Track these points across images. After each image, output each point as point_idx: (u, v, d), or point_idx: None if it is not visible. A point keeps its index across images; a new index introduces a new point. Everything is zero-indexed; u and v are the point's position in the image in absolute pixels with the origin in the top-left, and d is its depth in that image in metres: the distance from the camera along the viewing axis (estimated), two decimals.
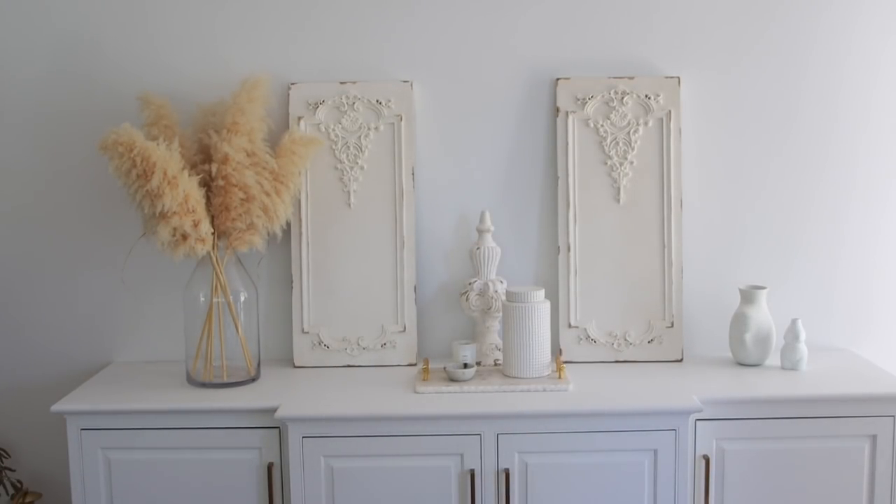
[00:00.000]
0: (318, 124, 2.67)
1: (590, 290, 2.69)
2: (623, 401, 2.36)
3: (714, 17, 2.67)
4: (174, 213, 2.35)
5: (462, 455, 2.29)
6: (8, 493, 2.70)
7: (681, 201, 2.67)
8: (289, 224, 2.61)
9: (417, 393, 2.41)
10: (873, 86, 2.70)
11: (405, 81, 2.67)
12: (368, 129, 2.67)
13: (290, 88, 2.67)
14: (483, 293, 2.63)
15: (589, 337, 2.69)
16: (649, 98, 2.66)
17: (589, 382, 2.48)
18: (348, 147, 2.67)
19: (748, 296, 2.62)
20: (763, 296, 2.61)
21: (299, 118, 2.66)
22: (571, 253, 2.68)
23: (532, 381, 2.44)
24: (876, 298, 2.77)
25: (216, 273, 2.49)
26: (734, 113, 2.71)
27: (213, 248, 2.47)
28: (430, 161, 2.71)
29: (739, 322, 2.61)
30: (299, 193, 2.63)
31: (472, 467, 2.29)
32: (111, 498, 2.36)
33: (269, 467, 2.34)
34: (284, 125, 2.66)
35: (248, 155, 2.45)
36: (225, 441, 2.35)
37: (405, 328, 2.69)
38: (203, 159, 2.48)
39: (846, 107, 2.71)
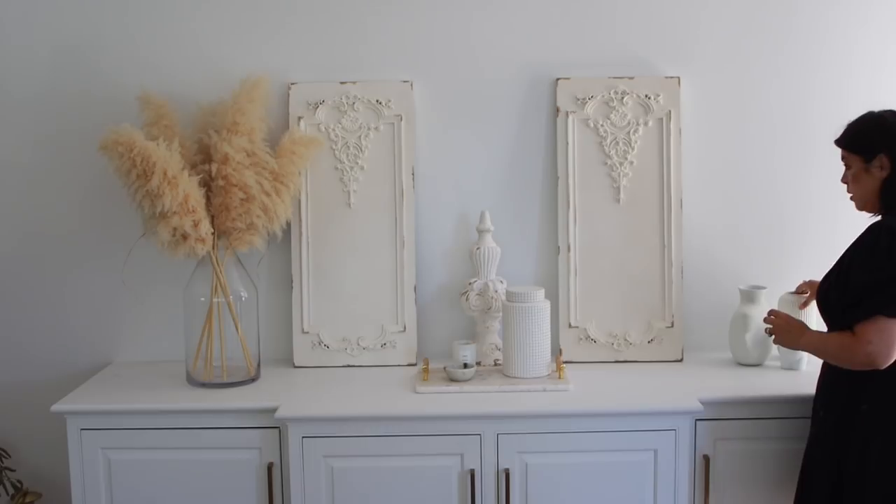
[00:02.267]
0: (318, 124, 2.67)
1: (590, 290, 2.69)
2: (623, 401, 2.36)
3: (714, 17, 2.67)
4: (174, 213, 2.35)
5: (462, 455, 2.29)
6: (8, 493, 2.70)
7: (681, 201, 2.67)
8: (289, 224, 2.61)
9: (417, 393, 2.41)
10: (874, 86, 2.69)
11: (405, 81, 2.67)
12: (368, 129, 2.67)
13: (290, 88, 2.67)
14: (483, 293, 2.63)
15: (589, 337, 2.69)
16: (649, 98, 2.66)
17: (589, 382, 2.48)
18: (348, 147, 2.67)
19: (748, 296, 2.61)
20: (763, 296, 2.61)
21: (299, 118, 2.66)
22: (571, 253, 2.68)
23: (532, 381, 2.44)
24: None
25: (216, 273, 2.49)
26: (734, 113, 2.71)
27: (213, 248, 2.47)
28: (430, 161, 2.71)
29: (739, 322, 2.60)
30: (299, 193, 2.63)
31: (472, 467, 2.29)
32: (111, 498, 2.37)
33: (269, 467, 2.33)
34: (284, 125, 2.66)
35: (248, 155, 2.45)
36: (225, 441, 2.35)
37: (405, 328, 2.69)
38: (203, 159, 2.48)
39: (846, 106, 2.69)
